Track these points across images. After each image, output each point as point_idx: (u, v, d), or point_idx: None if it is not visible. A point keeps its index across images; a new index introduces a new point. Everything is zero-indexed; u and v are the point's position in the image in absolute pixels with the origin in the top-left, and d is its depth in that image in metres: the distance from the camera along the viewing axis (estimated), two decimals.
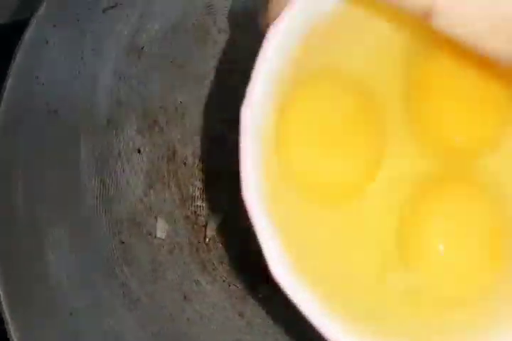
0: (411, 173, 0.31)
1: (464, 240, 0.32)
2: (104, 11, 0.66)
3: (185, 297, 0.70)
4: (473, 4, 0.25)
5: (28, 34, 0.59)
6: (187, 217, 0.74)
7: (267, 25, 0.34)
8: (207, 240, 0.73)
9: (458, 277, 0.33)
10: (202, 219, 0.74)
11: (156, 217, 0.72)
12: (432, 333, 0.29)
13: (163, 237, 0.71)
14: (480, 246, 0.33)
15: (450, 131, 0.32)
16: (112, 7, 0.66)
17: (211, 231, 0.74)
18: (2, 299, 0.55)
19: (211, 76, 0.77)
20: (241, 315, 0.70)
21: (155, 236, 0.70)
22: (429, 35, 0.30)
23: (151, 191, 0.72)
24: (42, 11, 0.59)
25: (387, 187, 0.31)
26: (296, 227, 0.30)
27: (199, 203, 0.75)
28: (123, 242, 0.67)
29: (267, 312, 0.71)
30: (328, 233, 0.30)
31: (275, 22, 0.31)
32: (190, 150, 0.75)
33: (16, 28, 0.60)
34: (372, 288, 0.30)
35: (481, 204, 0.32)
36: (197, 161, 0.76)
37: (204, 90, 0.77)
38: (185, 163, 0.75)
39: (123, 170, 0.69)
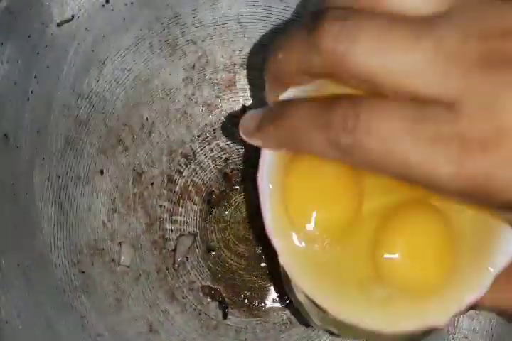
0: (382, 207, 0.42)
1: (422, 253, 0.43)
2: (58, 24, 0.61)
3: (151, 329, 0.66)
4: None
5: None
6: (154, 242, 0.70)
7: None
8: (176, 266, 0.69)
9: (421, 279, 0.43)
10: (171, 243, 0.70)
11: (120, 243, 0.67)
12: (408, 318, 0.40)
13: (128, 264, 0.67)
14: (435, 254, 0.43)
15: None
16: (68, 21, 0.62)
17: (180, 256, 0.70)
18: None
19: (180, 90, 0.73)
20: None
21: (119, 264, 0.66)
22: None
23: (115, 215, 0.68)
24: None
25: (363, 222, 0.42)
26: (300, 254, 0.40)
27: (168, 226, 0.71)
28: (83, 272, 0.63)
29: None
30: (325, 258, 0.41)
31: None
32: (158, 169, 0.71)
33: None
34: (356, 297, 0.39)
35: (434, 223, 0.43)
36: (166, 181, 0.72)
37: (173, 105, 0.73)
38: (152, 184, 0.71)
39: (83, 194, 0.65)
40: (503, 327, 0.58)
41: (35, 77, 0.61)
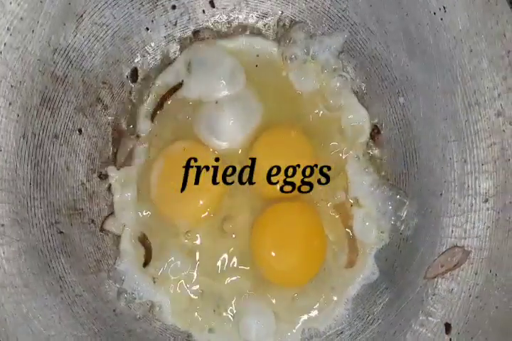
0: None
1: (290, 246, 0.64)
2: None
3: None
4: None
5: None
6: None
7: None
8: None
9: (295, 274, 0.65)
10: None
11: (99, 203, 0.66)
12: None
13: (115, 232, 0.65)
14: (300, 247, 0.64)
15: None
16: None
17: None
18: None
19: (162, 46, 0.70)
20: None
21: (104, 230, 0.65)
22: None
23: (94, 175, 0.66)
24: None
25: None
26: None
27: None
28: (61, 232, 0.62)
29: None
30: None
31: None
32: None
33: None
34: None
35: (300, 217, 0.65)
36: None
37: (154, 63, 0.70)
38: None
39: (60, 153, 0.63)
40: (481, 287, 0.58)
41: (7, 29, 0.57)
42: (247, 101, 0.67)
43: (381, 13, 0.64)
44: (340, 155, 0.67)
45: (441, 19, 0.60)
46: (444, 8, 0.59)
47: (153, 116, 0.68)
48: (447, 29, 0.60)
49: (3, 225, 0.56)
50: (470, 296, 0.59)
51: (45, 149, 0.61)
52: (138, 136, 0.68)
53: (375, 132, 0.68)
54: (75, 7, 0.62)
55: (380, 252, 0.67)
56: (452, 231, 0.61)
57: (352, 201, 0.67)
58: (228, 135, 0.65)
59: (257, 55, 0.68)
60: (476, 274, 0.59)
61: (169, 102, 0.68)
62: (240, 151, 0.65)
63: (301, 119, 0.68)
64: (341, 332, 0.65)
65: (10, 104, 0.58)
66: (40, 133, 0.61)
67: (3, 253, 0.56)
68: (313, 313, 0.66)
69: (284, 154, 0.64)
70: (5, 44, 0.57)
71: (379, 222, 0.67)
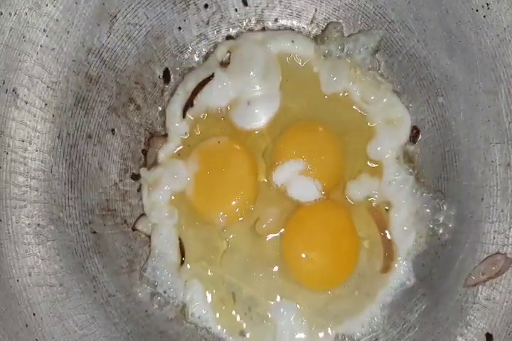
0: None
1: (325, 248, 0.63)
2: None
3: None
4: None
5: None
6: None
7: None
8: None
9: (326, 276, 0.64)
10: None
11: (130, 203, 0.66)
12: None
13: (148, 233, 0.65)
14: (332, 249, 0.63)
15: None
16: None
17: None
18: None
19: (194, 46, 0.69)
20: None
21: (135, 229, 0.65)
22: None
23: (127, 175, 0.66)
24: None
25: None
26: None
27: None
28: (94, 232, 0.62)
29: None
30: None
31: None
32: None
33: None
34: None
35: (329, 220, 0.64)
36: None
37: (186, 63, 0.70)
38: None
39: (94, 153, 0.63)
40: None
41: (44, 30, 0.58)
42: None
43: (420, 10, 0.62)
44: (378, 156, 0.65)
45: (484, 16, 0.57)
46: (488, 5, 0.57)
47: (184, 113, 0.67)
48: (490, 27, 0.57)
49: (39, 225, 0.57)
50: None
51: (79, 149, 0.62)
52: (167, 135, 0.67)
53: (413, 133, 0.66)
54: (108, 7, 0.62)
55: (417, 257, 0.64)
56: (494, 237, 0.59)
57: (386, 203, 0.65)
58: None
59: (293, 41, 0.66)
60: None
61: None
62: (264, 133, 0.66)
63: (334, 118, 0.66)
64: (376, 339, 0.63)
65: (46, 104, 0.59)
66: (75, 133, 0.62)
67: (39, 252, 0.56)
68: (347, 319, 0.64)
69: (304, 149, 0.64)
70: (41, 45, 0.58)
71: (416, 226, 0.65)
